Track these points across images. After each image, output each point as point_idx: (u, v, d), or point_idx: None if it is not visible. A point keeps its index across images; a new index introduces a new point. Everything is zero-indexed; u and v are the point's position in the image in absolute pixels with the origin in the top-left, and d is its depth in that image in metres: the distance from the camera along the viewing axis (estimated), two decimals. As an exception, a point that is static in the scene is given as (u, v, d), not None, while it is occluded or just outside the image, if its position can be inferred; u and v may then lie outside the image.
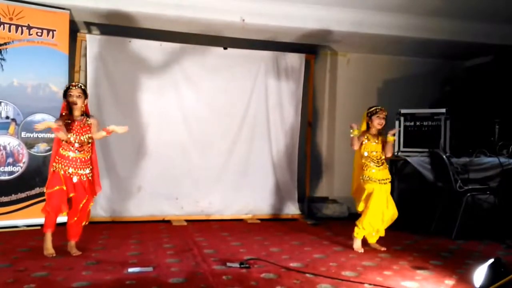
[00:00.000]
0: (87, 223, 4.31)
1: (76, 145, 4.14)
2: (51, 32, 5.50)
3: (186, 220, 6.04)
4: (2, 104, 5.30)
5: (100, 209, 5.81)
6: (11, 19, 5.30)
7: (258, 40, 6.62)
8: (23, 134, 5.38)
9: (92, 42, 5.89)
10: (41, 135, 5.45)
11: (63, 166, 4.09)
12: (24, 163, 5.38)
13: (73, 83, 4.24)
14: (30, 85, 5.47)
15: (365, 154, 4.72)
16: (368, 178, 4.67)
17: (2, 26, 5.25)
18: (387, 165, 4.80)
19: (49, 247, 4.11)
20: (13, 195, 5.27)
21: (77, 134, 4.15)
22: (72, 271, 3.61)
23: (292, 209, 6.64)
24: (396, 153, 6.18)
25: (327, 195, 7.32)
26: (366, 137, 4.74)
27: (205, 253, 4.33)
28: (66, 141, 4.11)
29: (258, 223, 6.24)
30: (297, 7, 6.02)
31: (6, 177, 5.29)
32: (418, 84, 7.41)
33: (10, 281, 3.31)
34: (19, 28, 5.34)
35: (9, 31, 5.30)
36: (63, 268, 3.70)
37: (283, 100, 6.63)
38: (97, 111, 5.82)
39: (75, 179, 4.12)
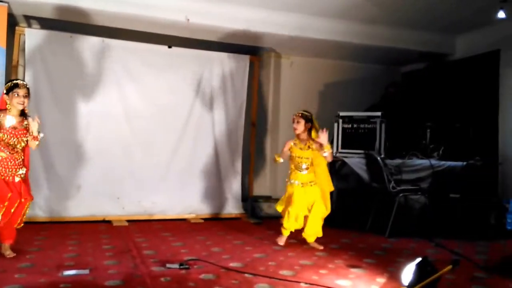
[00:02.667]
0: (21, 225, 4.11)
1: (11, 146, 3.94)
2: (-13, 25, 5.22)
3: (128, 221, 5.89)
4: None
5: (38, 209, 5.57)
6: None
7: (204, 40, 6.56)
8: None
9: (31, 36, 5.64)
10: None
11: None
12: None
13: (21, 82, 4.00)
14: (-37, 79, 5.16)
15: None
16: (290, 181, 4.85)
17: None
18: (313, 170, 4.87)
19: None
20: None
21: (17, 136, 3.95)
22: (3, 274, 3.44)
23: (235, 209, 6.64)
24: (334, 154, 6.29)
25: (270, 194, 7.34)
26: (293, 142, 4.86)
27: (145, 254, 4.23)
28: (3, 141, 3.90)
29: (201, 222, 6.18)
30: (242, 9, 6.01)
31: None
32: (357, 88, 7.59)
33: None
34: (-48, 20, 5.04)
35: None
36: (-5, 271, 3.52)
37: (227, 100, 6.61)
38: (34, 109, 5.56)
39: (11, 180, 3.93)
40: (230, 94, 6.61)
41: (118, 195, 6.00)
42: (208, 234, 5.37)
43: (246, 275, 3.66)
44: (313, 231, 4.81)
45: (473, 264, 4.17)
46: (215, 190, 6.54)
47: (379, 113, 6.20)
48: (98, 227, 5.48)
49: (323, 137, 4.60)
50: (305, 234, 4.85)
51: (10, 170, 3.95)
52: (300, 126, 4.80)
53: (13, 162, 3.96)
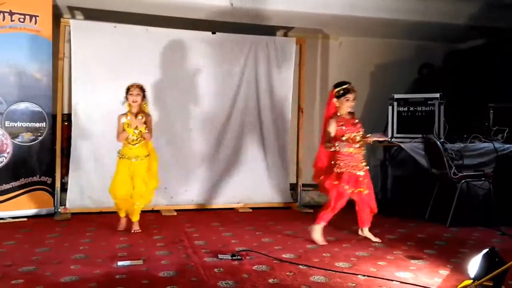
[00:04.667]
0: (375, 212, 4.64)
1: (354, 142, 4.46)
2: (34, 18, 5.40)
3: (176, 210, 6.00)
4: (-15, 93, 5.21)
5: (87, 200, 5.76)
6: (-9, 5, 5.18)
7: (248, 24, 6.52)
8: (6, 123, 5.30)
9: (76, 27, 5.76)
10: (25, 124, 5.37)
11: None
12: (8, 153, 5.32)
13: (350, 86, 4.47)
14: (13, 72, 5.36)
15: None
16: (120, 155, 4.84)
17: (-17, 12, 5.14)
18: (146, 144, 4.87)
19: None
20: (-2, 185, 5.22)
21: (354, 131, 4.48)
22: (60, 265, 3.58)
23: (284, 197, 6.62)
24: (389, 139, 6.17)
25: (320, 182, 7.29)
26: (126, 117, 4.79)
27: (196, 245, 4.31)
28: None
29: (249, 212, 6.21)
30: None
31: (-9, 168, 5.22)
32: (412, 67, 7.35)
33: (-3, 277, 3.27)
34: (1, 14, 5.24)
35: (-10, 17, 5.19)
36: (51, 262, 3.67)
37: (273, 85, 6.56)
38: (81, 99, 5.78)
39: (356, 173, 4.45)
40: (277, 79, 6.56)
41: (165, 185, 6.08)
42: (257, 224, 5.40)
43: (301, 266, 3.67)
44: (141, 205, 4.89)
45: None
46: (262, 178, 6.54)
47: (437, 95, 6.01)
48: (147, 217, 5.56)
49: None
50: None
51: (356, 164, 4.43)
52: (139, 99, 4.74)
53: (357, 156, 4.43)
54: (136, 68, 5.95)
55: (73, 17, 6.17)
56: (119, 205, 4.90)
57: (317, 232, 4.48)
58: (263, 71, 6.52)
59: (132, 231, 4.78)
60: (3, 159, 5.29)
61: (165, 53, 6.09)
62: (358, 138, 4.44)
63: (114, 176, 4.82)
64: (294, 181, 6.82)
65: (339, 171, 4.43)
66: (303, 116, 6.87)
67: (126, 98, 4.76)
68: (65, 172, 5.85)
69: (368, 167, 4.55)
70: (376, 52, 7.47)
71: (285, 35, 6.87)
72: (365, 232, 4.69)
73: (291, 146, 6.74)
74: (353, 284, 3.28)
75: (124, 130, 4.73)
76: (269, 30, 6.69)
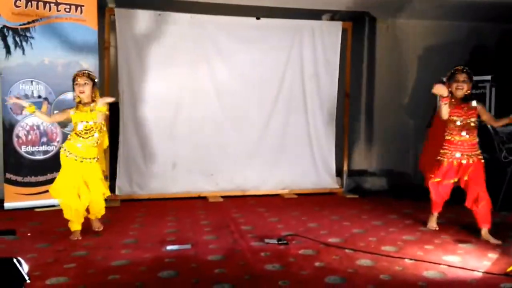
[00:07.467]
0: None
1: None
2: (79, 8, 5.63)
3: (222, 196, 6.19)
4: (34, 83, 5.50)
5: (136, 186, 6.02)
6: (38, -5, 5.44)
7: (292, 8, 6.57)
8: (55, 113, 5.55)
9: (121, 16, 5.97)
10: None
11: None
12: (58, 142, 5.59)
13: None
14: (60, 63, 5.62)
15: None
16: (66, 152, 4.23)
17: (30, 3, 5.40)
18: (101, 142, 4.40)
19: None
20: (48, 174, 5.51)
21: (466, 116, 4.32)
22: (111, 250, 3.81)
23: (330, 183, 6.71)
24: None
25: (366, 168, 7.33)
26: (73, 111, 4.28)
27: (243, 230, 4.48)
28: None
29: (295, 198, 6.33)
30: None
31: (41, 157, 5.53)
32: (462, 50, 7.22)
33: (50, 261, 3.52)
34: (47, 4, 5.49)
35: (37, 8, 5.44)
36: (102, 247, 3.90)
37: (319, 70, 6.61)
38: (128, 88, 5.99)
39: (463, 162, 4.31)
40: (322, 64, 6.60)
41: (211, 171, 6.31)
42: (303, 209, 5.52)
43: (347, 250, 3.78)
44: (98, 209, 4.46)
45: None
46: (308, 164, 6.63)
47: (488, 77, 5.92)
48: (195, 203, 5.82)
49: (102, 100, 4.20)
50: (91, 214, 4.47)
51: (462, 152, 4.31)
52: (88, 89, 4.20)
53: (466, 144, 4.31)
54: (181, 55, 6.14)
55: (118, 5, 6.37)
56: (67, 214, 4.21)
57: (430, 220, 4.62)
58: (309, 56, 6.57)
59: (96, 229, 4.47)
60: (53, 148, 5.58)
61: (210, 40, 6.24)
62: (472, 124, 4.30)
63: (58, 176, 4.31)
64: (340, 167, 6.89)
65: (439, 159, 4.38)
66: (349, 102, 6.90)
67: (73, 89, 4.25)
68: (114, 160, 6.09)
69: (480, 157, 4.33)
70: (425, 34, 7.34)
71: (331, 19, 6.86)
72: (483, 233, 4.23)
73: (336, 132, 6.80)
74: (400, 268, 3.37)
75: (63, 114, 4.34)
76: (315, 14, 6.71)
